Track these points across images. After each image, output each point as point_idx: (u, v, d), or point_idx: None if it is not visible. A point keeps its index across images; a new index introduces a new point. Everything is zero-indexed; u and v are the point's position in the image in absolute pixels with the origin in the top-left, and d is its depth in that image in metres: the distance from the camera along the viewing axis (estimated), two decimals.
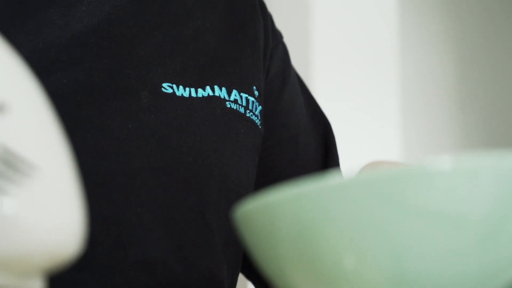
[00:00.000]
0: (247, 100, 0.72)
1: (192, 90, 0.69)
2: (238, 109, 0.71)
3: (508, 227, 0.36)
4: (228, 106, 0.70)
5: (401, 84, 1.84)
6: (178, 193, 0.66)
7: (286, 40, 0.82)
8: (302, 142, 0.78)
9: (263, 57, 0.77)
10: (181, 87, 0.68)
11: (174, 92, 0.68)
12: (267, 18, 0.80)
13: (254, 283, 0.81)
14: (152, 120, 0.66)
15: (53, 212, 0.34)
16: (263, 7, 0.80)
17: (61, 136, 0.36)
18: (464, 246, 0.36)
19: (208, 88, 0.70)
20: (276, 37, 0.80)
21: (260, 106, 0.74)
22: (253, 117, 0.73)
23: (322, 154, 0.79)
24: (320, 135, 0.80)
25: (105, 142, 0.63)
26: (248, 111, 0.72)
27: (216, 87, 0.70)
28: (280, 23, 0.86)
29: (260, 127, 0.74)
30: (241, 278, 0.79)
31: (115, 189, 0.63)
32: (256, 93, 0.74)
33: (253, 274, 0.80)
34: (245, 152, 0.71)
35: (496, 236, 0.36)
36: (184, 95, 0.68)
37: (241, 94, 0.72)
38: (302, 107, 0.80)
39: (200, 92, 0.69)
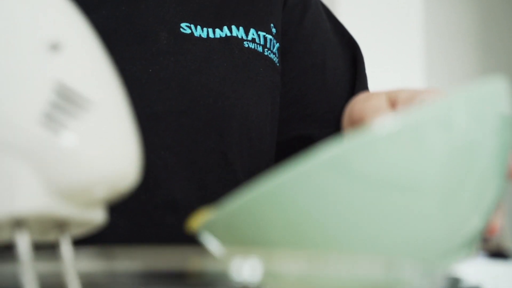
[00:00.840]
0: (265, 38, 0.73)
1: (210, 30, 0.70)
2: (256, 48, 0.72)
3: (465, 182, 0.35)
4: (246, 45, 0.71)
5: (425, 7, 1.84)
6: (200, 134, 0.68)
7: None
8: (330, 67, 0.78)
9: None
10: (198, 28, 0.69)
11: (192, 32, 0.69)
12: None
13: None
14: (171, 63, 0.67)
15: (110, 144, 0.36)
16: None
17: (113, 71, 0.37)
18: (424, 209, 0.35)
19: (225, 28, 0.71)
20: None
21: (278, 44, 0.75)
22: (271, 56, 0.74)
23: (350, 78, 0.79)
24: (348, 59, 0.80)
25: (127, 87, 0.65)
26: (266, 49, 0.73)
27: (233, 27, 0.71)
28: None
29: (278, 64, 0.75)
30: None
31: (139, 133, 0.65)
32: (274, 30, 0.75)
33: None
34: (265, 91, 0.73)
35: (455, 193, 0.35)
36: (202, 35, 0.69)
37: (259, 32, 0.73)
38: (328, 32, 0.80)
39: (218, 33, 0.70)
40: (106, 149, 0.36)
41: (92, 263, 0.43)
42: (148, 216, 0.65)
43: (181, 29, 0.68)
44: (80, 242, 0.40)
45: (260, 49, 0.72)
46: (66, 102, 0.35)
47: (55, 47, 0.35)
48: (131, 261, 0.31)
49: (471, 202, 0.36)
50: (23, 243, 0.35)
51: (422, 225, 0.35)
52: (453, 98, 0.34)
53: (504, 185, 0.38)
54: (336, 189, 0.33)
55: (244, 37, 0.71)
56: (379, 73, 1.59)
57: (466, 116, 0.34)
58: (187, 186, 0.67)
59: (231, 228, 0.37)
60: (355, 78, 0.79)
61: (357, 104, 0.55)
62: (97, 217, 0.38)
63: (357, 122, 0.52)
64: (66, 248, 0.39)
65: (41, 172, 0.34)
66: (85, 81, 0.35)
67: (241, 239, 0.37)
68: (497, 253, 1.49)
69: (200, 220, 0.38)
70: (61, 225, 0.37)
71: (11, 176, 0.34)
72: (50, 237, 0.38)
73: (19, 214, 0.34)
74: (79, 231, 0.38)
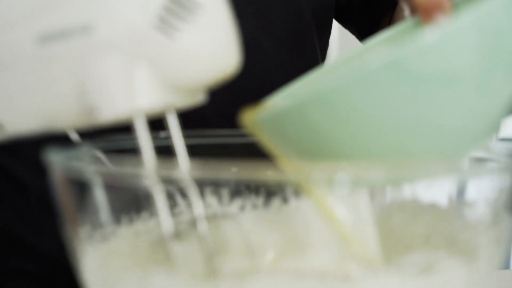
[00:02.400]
0: None
1: None
2: None
3: (496, 68, 0.38)
4: None
5: None
6: None
7: None
8: None
9: None
10: None
11: None
12: None
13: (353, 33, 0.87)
14: None
15: (217, 42, 0.40)
16: None
17: None
18: (466, 99, 0.38)
19: None
20: None
21: None
22: None
23: None
24: None
25: None
26: None
27: None
28: None
29: None
30: None
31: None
32: None
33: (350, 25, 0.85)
34: None
35: (489, 80, 0.38)
36: None
37: None
38: None
39: None
40: (212, 46, 0.40)
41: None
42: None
43: None
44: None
45: None
46: (178, 6, 0.39)
47: None
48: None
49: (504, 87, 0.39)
50: (142, 127, 0.40)
51: (466, 113, 0.38)
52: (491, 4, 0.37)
53: None
54: (393, 91, 0.36)
55: None
56: None
57: (504, 19, 0.38)
58: (254, 23, 0.70)
59: (281, 130, 0.39)
60: None
61: None
62: (200, 98, 0.43)
63: None
64: (172, 121, 0.45)
65: (157, 71, 0.39)
66: None
67: (291, 143, 0.39)
68: None
69: (253, 117, 0.41)
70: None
71: (132, 76, 0.39)
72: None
73: (141, 110, 0.39)
74: (181, 108, 0.44)
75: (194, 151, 0.49)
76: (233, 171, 0.34)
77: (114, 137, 0.48)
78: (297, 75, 0.49)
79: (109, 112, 0.39)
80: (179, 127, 0.44)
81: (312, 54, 0.74)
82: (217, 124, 0.68)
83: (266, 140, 0.40)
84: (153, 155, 0.40)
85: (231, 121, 0.50)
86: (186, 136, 0.50)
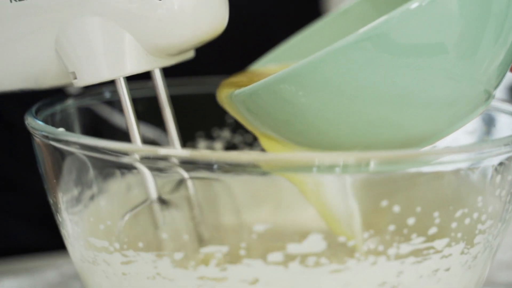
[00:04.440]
0: None
1: None
2: None
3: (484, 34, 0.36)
4: None
5: None
6: None
7: None
8: None
9: None
10: None
11: None
12: None
13: None
14: None
15: (209, 5, 0.39)
16: None
17: None
18: (452, 67, 0.36)
19: None
20: None
21: None
22: None
23: None
24: None
25: None
26: None
27: None
28: None
29: None
30: None
31: None
32: None
33: None
34: None
35: (476, 46, 0.36)
36: None
37: None
38: None
39: None
40: (199, 13, 0.38)
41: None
42: None
43: None
44: None
45: None
46: None
47: None
48: None
49: (493, 52, 0.37)
50: (124, 90, 0.39)
51: (454, 82, 0.36)
52: None
53: None
54: (372, 65, 0.34)
55: None
56: None
57: None
58: None
59: (255, 108, 0.37)
60: None
61: None
62: (188, 56, 0.42)
63: None
64: (158, 76, 0.44)
65: (143, 37, 0.38)
66: None
67: (267, 121, 0.38)
68: None
69: (227, 94, 0.39)
70: None
71: (120, 43, 0.37)
72: None
73: (129, 74, 0.38)
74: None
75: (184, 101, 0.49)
76: (210, 154, 0.33)
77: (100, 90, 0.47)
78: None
79: (91, 77, 0.38)
80: (165, 83, 0.43)
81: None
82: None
83: (242, 118, 0.39)
84: (135, 118, 0.39)
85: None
86: (179, 85, 0.49)
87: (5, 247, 0.59)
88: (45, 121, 0.41)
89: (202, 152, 0.34)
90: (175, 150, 0.43)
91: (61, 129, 0.38)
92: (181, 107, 0.46)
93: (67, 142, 0.36)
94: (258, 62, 0.46)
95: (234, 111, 0.39)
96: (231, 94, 0.38)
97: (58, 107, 0.44)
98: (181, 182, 0.42)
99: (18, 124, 0.59)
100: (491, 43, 0.36)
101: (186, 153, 0.34)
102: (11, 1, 0.38)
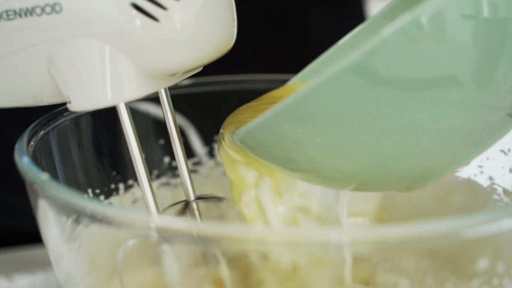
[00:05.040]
0: None
1: None
2: None
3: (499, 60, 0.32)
4: None
5: None
6: None
7: None
8: None
9: None
10: None
11: None
12: None
13: None
14: None
15: (213, 23, 0.35)
16: None
17: None
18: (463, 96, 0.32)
19: None
20: None
21: None
22: None
23: None
24: None
25: None
26: None
27: None
28: None
29: None
30: None
31: None
32: None
33: None
34: None
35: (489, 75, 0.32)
36: None
37: None
38: None
39: None
40: (203, 32, 0.35)
41: None
42: None
43: None
44: None
45: None
46: None
47: None
48: None
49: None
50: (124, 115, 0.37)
51: (466, 112, 0.33)
52: None
53: None
54: (358, 96, 0.31)
55: None
56: None
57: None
58: None
59: (257, 145, 0.35)
60: None
61: None
62: (195, 70, 0.39)
63: None
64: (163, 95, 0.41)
65: (142, 59, 0.35)
66: None
67: (271, 155, 0.36)
68: None
69: (229, 139, 0.37)
70: None
71: (117, 66, 0.34)
72: None
73: (128, 100, 0.35)
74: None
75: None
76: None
77: None
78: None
79: (86, 103, 0.35)
80: (171, 104, 0.41)
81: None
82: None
83: (251, 158, 0.36)
84: (136, 141, 0.37)
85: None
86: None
87: (20, 236, 0.58)
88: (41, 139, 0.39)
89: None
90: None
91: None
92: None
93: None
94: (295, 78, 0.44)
95: (242, 153, 0.37)
96: (232, 135, 0.35)
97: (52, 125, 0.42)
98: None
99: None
100: (509, 67, 0.32)
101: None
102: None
